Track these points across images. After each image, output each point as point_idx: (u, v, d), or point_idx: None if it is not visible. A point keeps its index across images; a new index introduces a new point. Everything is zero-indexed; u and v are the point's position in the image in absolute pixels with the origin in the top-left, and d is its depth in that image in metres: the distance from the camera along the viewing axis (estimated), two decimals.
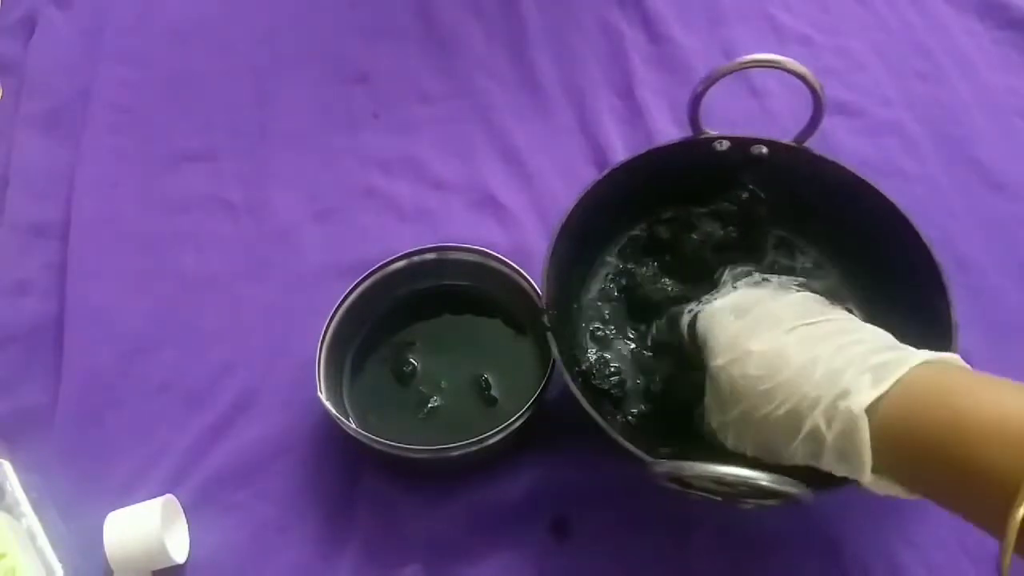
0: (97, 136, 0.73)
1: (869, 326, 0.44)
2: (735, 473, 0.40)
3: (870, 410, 0.37)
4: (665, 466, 0.42)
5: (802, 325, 0.43)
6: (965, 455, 0.34)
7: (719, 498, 0.43)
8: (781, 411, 0.40)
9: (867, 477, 0.38)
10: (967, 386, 0.37)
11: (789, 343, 0.42)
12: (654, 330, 0.56)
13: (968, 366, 0.40)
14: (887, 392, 0.37)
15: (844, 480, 0.40)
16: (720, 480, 0.40)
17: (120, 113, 0.75)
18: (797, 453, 0.40)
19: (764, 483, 0.39)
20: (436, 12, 0.81)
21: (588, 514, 0.53)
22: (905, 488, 0.38)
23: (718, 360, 0.44)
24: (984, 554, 0.51)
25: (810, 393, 0.39)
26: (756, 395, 0.41)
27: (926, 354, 0.39)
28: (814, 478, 0.41)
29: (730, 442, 0.45)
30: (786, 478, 0.40)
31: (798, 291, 0.48)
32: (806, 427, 0.39)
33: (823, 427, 0.38)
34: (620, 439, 0.46)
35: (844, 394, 0.38)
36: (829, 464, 0.39)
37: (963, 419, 0.35)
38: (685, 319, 0.51)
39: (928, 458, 0.36)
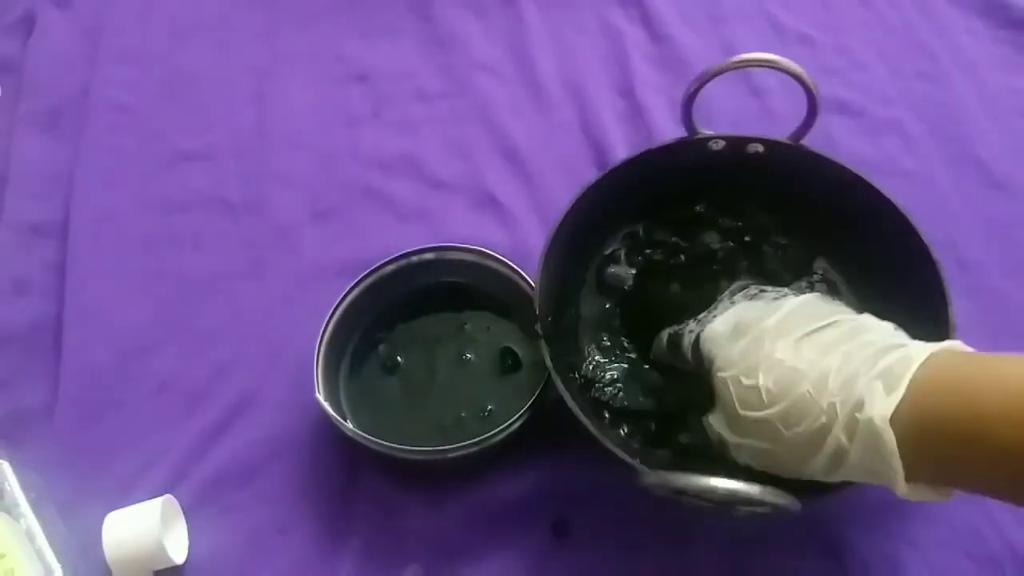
0: (96, 135, 0.73)
1: (871, 319, 0.44)
2: (725, 487, 0.40)
3: (888, 430, 0.37)
4: (654, 477, 0.42)
5: (807, 335, 0.43)
6: (986, 438, 0.34)
7: (711, 505, 0.43)
8: (800, 428, 0.40)
9: (902, 487, 0.37)
10: (974, 372, 0.37)
11: (798, 357, 0.41)
12: (653, 350, 0.55)
13: (970, 349, 0.40)
14: (902, 397, 0.37)
15: (837, 486, 0.40)
16: (711, 493, 0.40)
17: (119, 112, 0.75)
18: (819, 469, 0.40)
19: (755, 495, 0.40)
20: (435, 10, 0.81)
21: (588, 514, 0.53)
22: (934, 488, 0.38)
23: (728, 381, 0.44)
24: (985, 554, 0.51)
25: (827, 407, 0.39)
26: (772, 415, 0.41)
27: (930, 347, 0.39)
28: (809, 486, 0.41)
29: (743, 459, 0.44)
30: (777, 490, 0.40)
31: (795, 295, 0.48)
32: (829, 444, 0.38)
33: (845, 442, 0.38)
34: (612, 446, 0.46)
35: (859, 405, 0.37)
36: (855, 476, 0.39)
37: (978, 404, 0.35)
38: (687, 340, 0.50)
39: (953, 452, 0.36)
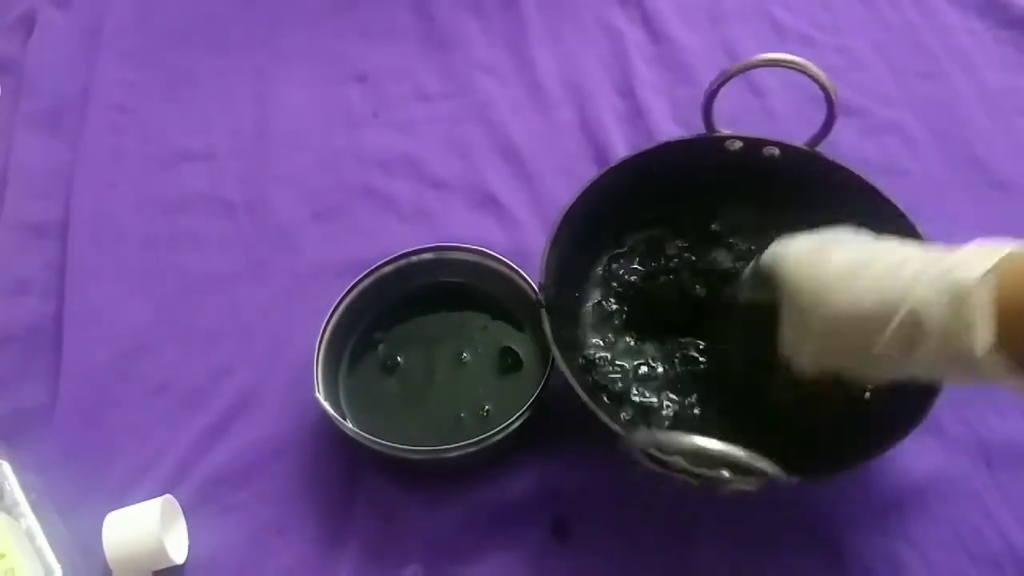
0: (96, 135, 0.73)
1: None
2: (711, 446, 0.39)
3: (979, 284, 0.35)
4: (642, 436, 0.42)
5: (883, 242, 0.43)
6: None
7: (696, 482, 0.42)
8: (867, 303, 0.39)
9: (981, 345, 0.35)
10: None
11: (875, 247, 0.42)
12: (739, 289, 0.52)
13: None
14: (994, 266, 0.36)
15: (827, 467, 0.39)
16: (697, 453, 0.40)
17: (119, 112, 0.75)
18: (889, 348, 0.38)
19: (743, 459, 0.39)
20: (436, 11, 0.81)
21: (588, 514, 0.53)
22: (1012, 369, 0.36)
23: (795, 271, 0.43)
24: (985, 554, 0.51)
25: (904, 279, 0.38)
26: (841, 294, 0.40)
27: (1016, 243, 0.38)
28: (799, 464, 0.41)
29: (808, 359, 0.43)
30: (762, 456, 0.40)
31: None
32: (901, 313, 0.37)
33: (929, 300, 0.37)
34: (602, 415, 0.46)
35: (951, 270, 0.37)
36: (929, 352, 0.37)
37: None
38: (751, 266, 0.49)
39: None
